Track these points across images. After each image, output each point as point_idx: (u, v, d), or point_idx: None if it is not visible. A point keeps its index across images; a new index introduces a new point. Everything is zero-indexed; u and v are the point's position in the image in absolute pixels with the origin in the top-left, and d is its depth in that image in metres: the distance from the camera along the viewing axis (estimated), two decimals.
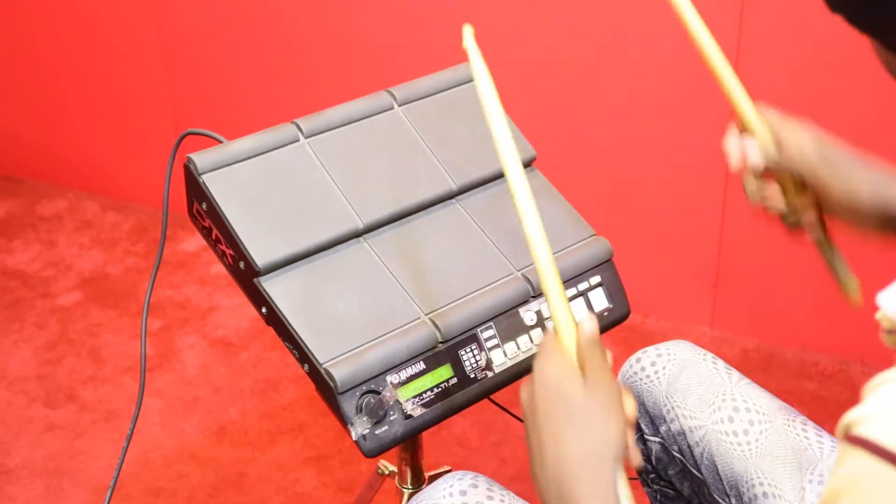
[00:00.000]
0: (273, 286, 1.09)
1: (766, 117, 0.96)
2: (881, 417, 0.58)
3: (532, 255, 0.84)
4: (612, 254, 1.23)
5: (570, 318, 0.82)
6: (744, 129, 0.96)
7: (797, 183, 0.96)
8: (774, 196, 0.97)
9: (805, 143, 0.94)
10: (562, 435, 0.75)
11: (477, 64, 0.89)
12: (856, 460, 0.58)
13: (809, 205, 0.96)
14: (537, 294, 1.17)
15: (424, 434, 1.18)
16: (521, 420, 1.51)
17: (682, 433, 1.15)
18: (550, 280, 0.83)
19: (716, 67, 0.96)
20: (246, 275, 1.10)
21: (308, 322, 1.07)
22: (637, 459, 0.77)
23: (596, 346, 0.80)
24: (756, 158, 0.94)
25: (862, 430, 0.59)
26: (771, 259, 2.07)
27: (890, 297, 0.71)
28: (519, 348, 1.14)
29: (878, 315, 0.74)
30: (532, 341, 1.15)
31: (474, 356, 1.11)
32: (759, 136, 0.94)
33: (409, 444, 1.30)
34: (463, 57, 1.37)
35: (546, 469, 0.75)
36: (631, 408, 0.78)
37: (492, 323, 1.13)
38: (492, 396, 1.18)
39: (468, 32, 0.93)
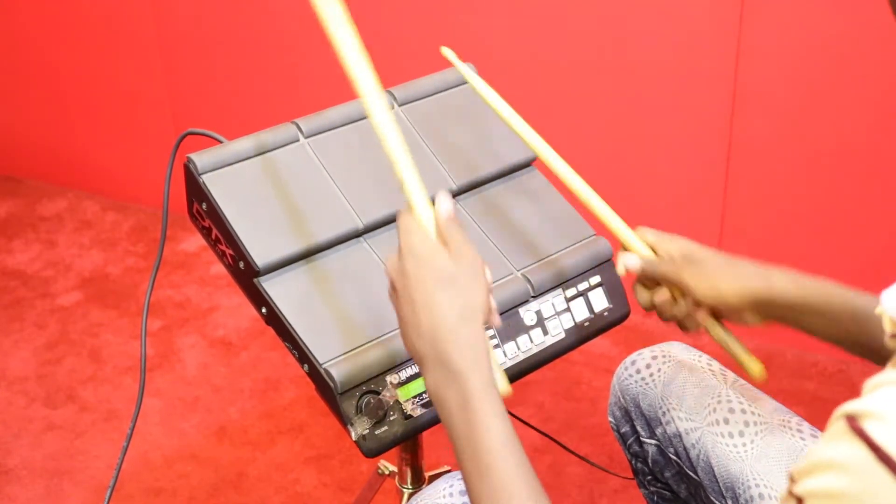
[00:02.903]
0: (273, 286, 1.09)
1: (643, 235, 1.09)
2: (886, 420, 0.59)
3: (383, 143, 0.93)
4: (612, 254, 1.23)
5: (427, 199, 0.89)
6: (626, 248, 1.10)
7: (679, 288, 1.06)
8: (663, 300, 1.07)
9: (673, 250, 1.07)
10: (435, 299, 0.82)
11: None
12: (855, 452, 0.59)
13: (693, 303, 1.06)
14: (537, 294, 1.17)
15: (424, 434, 1.18)
16: (521, 420, 1.52)
17: (678, 435, 1.15)
18: (404, 164, 0.91)
19: (598, 212, 1.10)
20: (246, 275, 1.10)
21: (308, 322, 1.07)
22: (497, 320, 0.87)
23: (454, 222, 0.87)
24: (634, 264, 1.07)
25: (868, 427, 0.59)
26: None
27: (894, 296, 0.70)
28: (519, 348, 1.14)
29: (877, 310, 0.74)
30: (532, 341, 1.15)
31: None
32: (636, 249, 1.09)
33: (409, 444, 1.30)
34: (462, 57, 1.37)
35: (421, 331, 0.83)
36: (490, 275, 0.87)
37: None
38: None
39: None
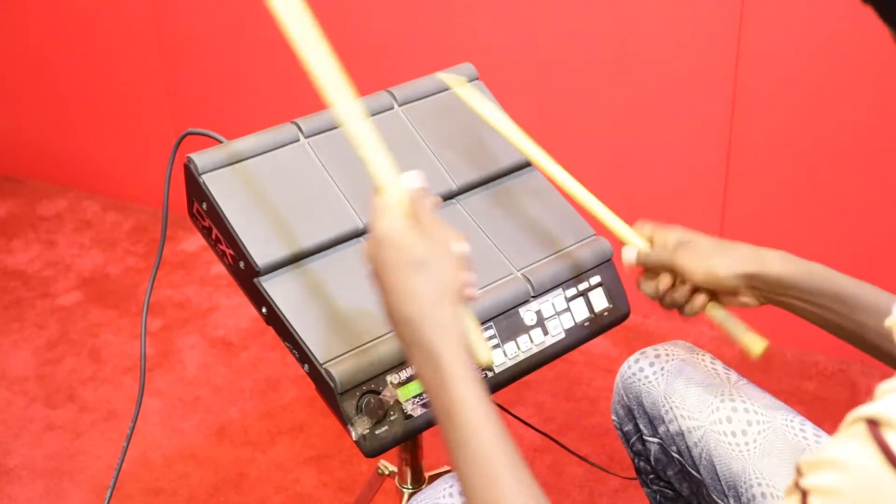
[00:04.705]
0: (273, 286, 1.09)
1: (641, 229, 1.13)
2: None
3: (342, 123, 0.93)
4: (612, 254, 1.23)
5: (394, 175, 0.90)
6: (624, 243, 1.14)
7: (677, 274, 1.09)
8: (664, 286, 1.10)
9: (668, 238, 1.11)
10: (406, 283, 0.84)
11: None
12: (868, 454, 0.60)
13: (692, 288, 1.09)
14: (537, 294, 1.17)
15: (424, 434, 1.18)
16: (521, 420, 1.52)
17: (681, 434, 1.15)
18: (368, 142, 0.92)
19: (596, 212, 1.13)
20: (246, 275, 1.10)
21: (308, 322, 1.07)
22: (473, 293, 0.88)
23: (422, 198, 0.88)
24: (630, 256, 1.12)
25: (888, 437, 0.59)
26: None
27: None
28: (519, 348, 1.14)
29: (887, 322, 0.74)
30: (532, 341, 1.15)
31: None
32: (633, 243, 1.13)
33: (409, 444, 1.30)
34: (462, 57, 1.37)
35: (400, 317, 0.84)
36: (464, 247, 0.87)
37: (492, 323, 1.13)
38: (492, 396, 1.18)
39: None
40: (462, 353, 0.84)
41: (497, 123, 1.17)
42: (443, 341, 0.83)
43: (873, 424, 0.60)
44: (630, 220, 1.15)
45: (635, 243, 1.12)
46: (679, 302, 1.10)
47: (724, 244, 1.08)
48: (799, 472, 0.64)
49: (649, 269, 1.12)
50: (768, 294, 1.05)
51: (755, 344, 1.08)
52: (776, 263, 1.04)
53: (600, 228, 1.26)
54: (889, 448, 0.59)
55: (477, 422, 0.81)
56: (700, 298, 1.09)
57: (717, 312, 1.10)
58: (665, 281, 1.10)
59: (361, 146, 0.93)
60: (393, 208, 0.88)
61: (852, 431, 0.61)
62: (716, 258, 1.06)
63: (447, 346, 0.83)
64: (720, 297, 1.09)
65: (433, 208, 0.88)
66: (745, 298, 1.07)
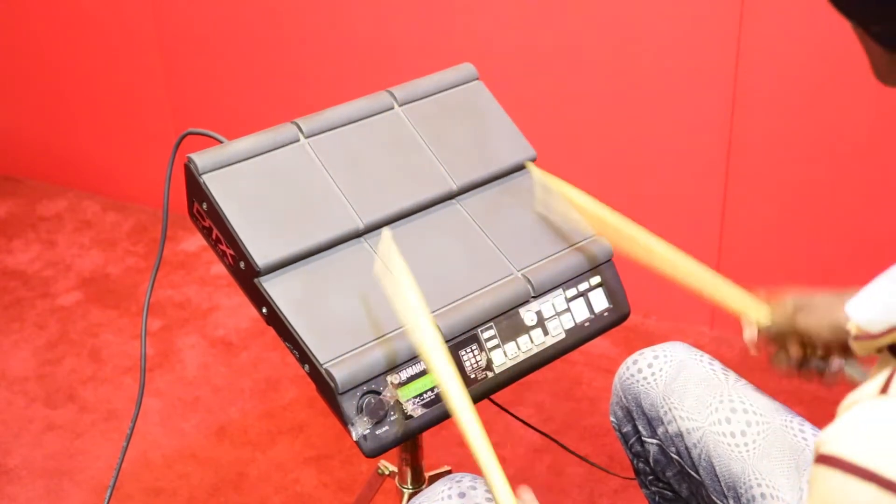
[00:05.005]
0: (273, 286, 1.09)
1: (752, 299, 1.09)
2: (849, 434, 0.59)
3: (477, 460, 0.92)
4: (612, 254, 1.23)
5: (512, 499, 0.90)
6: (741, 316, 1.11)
7: (803, 339, 1.06)
8: (796, 355, 1.07)
9: (785, 304, 1.06)
10: None
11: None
12: (827, 479, 0.59)
13: (824, 350, 1.05)
14: (538, 294, 1.17)
15: (424, 434, 1.18)
16: (521, 420, 1.51)
17: (680, 435, 1.15)
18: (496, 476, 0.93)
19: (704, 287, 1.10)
20: (246, 275, 1.10)
21: (308, 322, 1.07)
22: None
23: None
24: (752, 335, 1.08)
25: (830, 449, 0.59)
26: (771, 259, 2.07)
27: (858, 306, 0.71)
28: (519, 348, 1.14)
29: (848, 325, 0.75)
30: (532, 341, 1.15)
31: (474, 356, 1.11)
32: (752, 316, 1.09)
33: (410, 444, 1.30)
34: (462, 57, 1.37)
35: None
36: None
37: (492, 323, 1.13)
38: (492, 396, 1.18)
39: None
40: None
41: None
42: None
43: (817, 450, 0.60)
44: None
45: (753, 315, 1.08)
46: (816, 368, 1.06)
47: (845, 295, 1.01)
48: None
49: (775, 341, 1.08)
50: None
51: None
52: None
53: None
54: (837, 459, 0.59)
55: None
56: (836, 359, 1.05)
57: (856, 372, 1.06)
58: (794, 349, 1.06)
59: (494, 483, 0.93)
60: None
61: (814, 472, 0.61)
62: (839, 310, 1.02)
63: None
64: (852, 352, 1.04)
65: None
66: None
